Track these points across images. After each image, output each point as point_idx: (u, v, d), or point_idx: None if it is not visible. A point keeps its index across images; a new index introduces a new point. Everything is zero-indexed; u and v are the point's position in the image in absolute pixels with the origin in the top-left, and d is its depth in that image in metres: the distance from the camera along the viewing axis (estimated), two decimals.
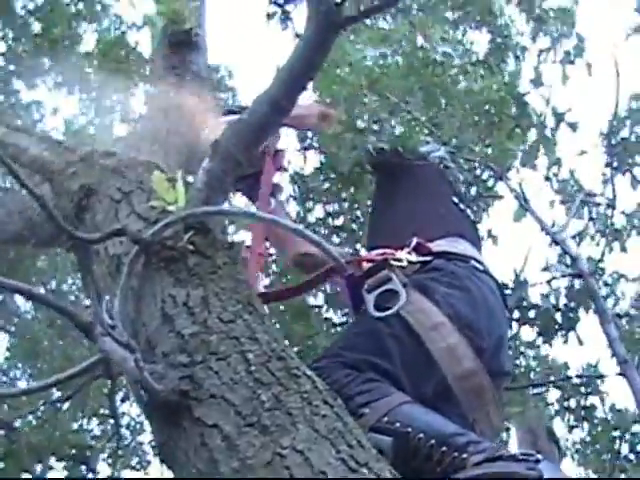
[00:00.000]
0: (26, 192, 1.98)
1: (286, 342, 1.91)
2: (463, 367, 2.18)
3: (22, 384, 6.35)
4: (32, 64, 6.18)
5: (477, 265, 2.52)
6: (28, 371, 6.54)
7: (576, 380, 4.92)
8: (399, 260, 2.35)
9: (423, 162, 2.82)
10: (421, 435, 1.89)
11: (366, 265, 2.37)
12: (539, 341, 4.68)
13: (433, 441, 1.87)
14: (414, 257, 2.40)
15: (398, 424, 1.92)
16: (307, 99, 3.05)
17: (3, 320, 6.77)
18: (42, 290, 5.79)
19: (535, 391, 4.90)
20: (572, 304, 4.62)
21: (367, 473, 1.57)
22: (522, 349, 4.72)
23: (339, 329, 4.48)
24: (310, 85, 3.69)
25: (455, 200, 2.81)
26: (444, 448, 1.86)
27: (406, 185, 2.80)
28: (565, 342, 4.69)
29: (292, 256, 2.88)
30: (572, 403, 4.88)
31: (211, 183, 2.19)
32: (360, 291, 2.30)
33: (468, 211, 2.88)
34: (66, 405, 5.57)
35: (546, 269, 4.81)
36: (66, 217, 2.50)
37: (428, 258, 2.44)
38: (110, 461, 5.55)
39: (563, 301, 4.71)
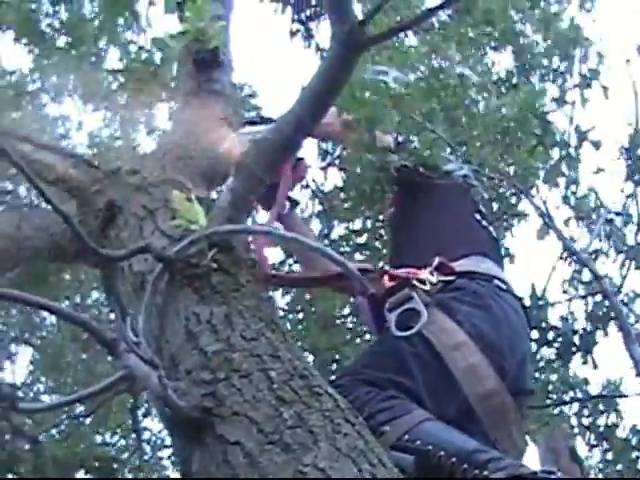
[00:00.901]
0: (52, 209, 2.00)
1: (310, 357, 1.93)
2: (485, 387, 2.18)
3: (45, 398, 6.39)
4: (58, 79, 6.24)
5: (500, 284, 2.51)
6: (51, 385, 6.58)
7: (596, 398, 4.88)
8: (422, 280, 2.35)
9: (446, 181, 2.82)
10: (442, 453, 1.89)
11: (388, 283, 2.37)
12: (557, 363, 4.65)
13: (454, 459, 1.88)
14: (436, 277, 2.40)
15: (419, 442, 1.93)
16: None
17: (27, 333, 6.81)
18: (66, 305, 5.84)
19: (556, 410, 4.86)
20: (590, 326, 4.60)
21: None
22: (541, 365, 4.69)
23: (366, 340, 4.48)
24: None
25: (478, 218, 2.81)
26: (465, 465, 1.86)
27: (429, 203, 2.80)
28: (584, 363, 4.67)
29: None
30: (592, 421, 4.84)
31: (235, 201, 2.22)
32: (382, 310, 2.31)
33: (491, 229, 2.88)
34: (88, 419, 5.60)
35: (566, 291, 4.79)
36: (91, 234, 2.53)
37: (451, 277, 2.44)
38: (131, 476, 5.56)
39: (582, 323, 4.69)
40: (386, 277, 2.40)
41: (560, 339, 4.51)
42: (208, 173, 3.01)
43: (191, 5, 3.14)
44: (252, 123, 2.96)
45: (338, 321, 4.49)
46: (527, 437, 4.76)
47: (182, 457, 1.84)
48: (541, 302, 4.58)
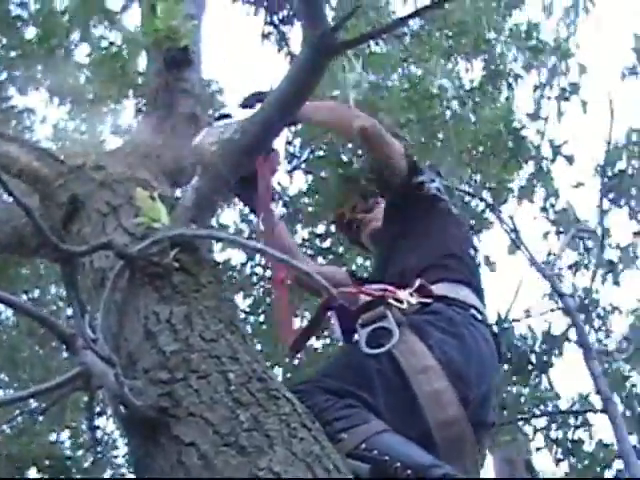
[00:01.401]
0: (14, 201, 1.98)
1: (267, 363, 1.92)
2: (447, 414, 2.15)
3: (0, 393, 6.32)
4: (25, 71, 6.18)
5: (476, 314, 2.50)
6: (6, 379, 6.51)
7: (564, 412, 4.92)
8: (399, 300, 2.34)
9: (419, 192, 2.79)
10: (398, 464, 1.89)
11: (364, 298, 2.36)
12: (512, 380, 4.69)
13: (410, 471, 1.87)
14: (415, 299, 2.39)
15: (376, 451, 1.92)
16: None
17: None
18: (24, 299, 5.78)
19: (523, 421, 4.90)
20: (545, 346, 4.64)
21: None
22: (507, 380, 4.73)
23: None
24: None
25: (468, 247, 2.80)
26: (420, 478, 1.86)
27: (417, 223, 2.76)
28: (537, 386, 4.71)
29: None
30: (560, 435, 4.88)
31: (199, 201, 2.21)
32: (351, 322, 2.29)
33: (477, 259, 2.86)
34: (42, 417, 5.55)
35: (528, 311, 4.84)
36: (53, 228, 2.50)
37: (428, 300, 2.43)
38: (83, 475, 5.52)
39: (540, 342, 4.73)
40: (361, 292, 2.39)
41: (516, 358, 4.54)
42: (174, 172, 3.00)
43: (163, 3, 3.12)
44: (224, 117, 2.92)
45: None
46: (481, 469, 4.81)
47: (136, 457, 1.82)
48: (505, 324, 4.61)
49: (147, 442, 1.74)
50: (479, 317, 2.48)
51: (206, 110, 3.44)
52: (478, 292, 2.62)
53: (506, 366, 4.65)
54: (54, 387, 1.95)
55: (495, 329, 4.22)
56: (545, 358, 4.58)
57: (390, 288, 2.33)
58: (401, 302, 2.30)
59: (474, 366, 2.32)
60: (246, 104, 2.87)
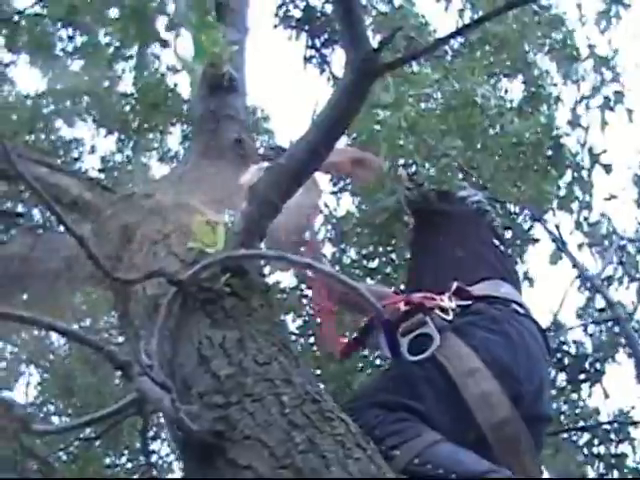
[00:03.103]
0: (66, 231, 2.02)
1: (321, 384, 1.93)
2: (498, 415, 2.15)
3: (55, 419, 6.39)
4: (72, 103, 6.30)
5: (518, 309, 2.49)
6: (60, 407, 6.59)
7: (607, 426, 4.85)
8: (439, 306, 2.34)
9: (461, 207, 2.83)
10: (453, 476, 1.88)
11: (403, 308, 2.37)
12: (567, 390, 4.64)
13: None
14: (454, 302, 2.40)
15: (430, 465, 1.92)
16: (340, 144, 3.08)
17: (37, 355, 6.83)
18: (76, 327, 5.85)
19: (565, 436, 4.84)
20: (600, 354, 4.59)
21: None
22: (554, 392, 4.68)
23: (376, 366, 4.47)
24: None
25: (496, 243, 2.80)
26: None
27: (446, 230, 2.79)
28: (589, 395, 4.67)
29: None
30: (602, 450, 4.82)
31: (249, 227, 2.23)
32: (396, 335, 2.30)
33: (509, 253, 2.87)
34: (98, 441, 5.60)
35: (580, 315, 4.79)
36: (106, 257, 2.55)
37: (468, 302, 2.43)
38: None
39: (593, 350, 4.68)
40: (401, 302, 2.40)
41: (571, 365, 4.49)
42: (221, 198, 3.04)
43: (206, 30, 3.17)
44: (269, 158, 2.97)
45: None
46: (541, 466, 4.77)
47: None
48: (557, 327, 4.57)
49: (204, 466, 1.76)
50: (521, 311, 2.47)
51: (251, 136, 3.47)
52: (516, 286, 2.62)
53: (560, 375, 4.62)
54: (112, 413, 1.99)
55: (551, 334, 4.22)
56: (598, 366, 4.54)
57: (428, 295, 2.34)
58: (442, 308, 2.31)
59: (523, 361, 2.31)
60: (265, 156, 2.94)
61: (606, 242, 4.70)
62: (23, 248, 3.31)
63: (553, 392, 4.62)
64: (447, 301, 2.37)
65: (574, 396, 4.72)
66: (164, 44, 4.76)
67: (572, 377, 4.55)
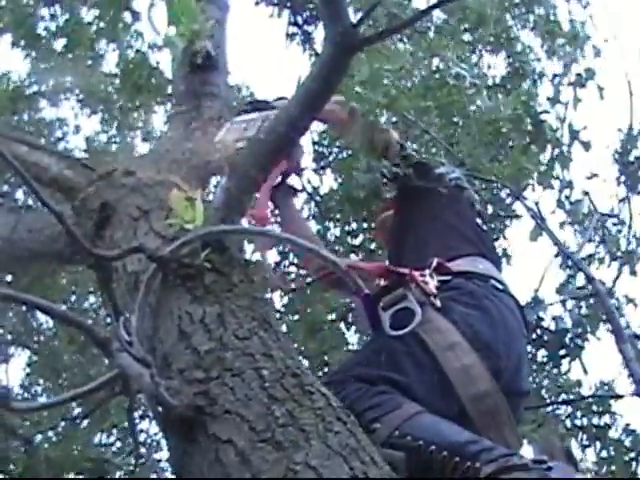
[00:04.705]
0: (47, 209, 2.01)
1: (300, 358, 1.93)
2: (478, 388, 2.17)
3: (43, 400, 6.39)
4: (55, 83, 6.26)
5: (497, 284, 2.51)
6: (49, 386, 6.59)
7: (589, 399, 4.88)
8: (419, 281, 2.34)
9: (439, 184, 2.82)
10: (433, 447, 1.88)
11: (383, 282, 2.37)
12: (548, 366, 4.65)
13: (445, 452, 1.87)
14: (435, 278, 2.40)
15: (409, 437, 1.92)
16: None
17: (24, 336, 6.83)
18: (62, 307, 5.85)
19: (548, 409, 4.87)
20: (579, 330, 4.61)
21: None
22: (535, 367, 4.70)
23: (354, 345, 4.49)
24: None
25: (476, 219, 2.81)
26: (457, 458, 1.85)
27: (425, 206, 2.80)
28: (568, 370, 4.68)
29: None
30: (585, 422, 4.85)
31: (229, 202, 2.22)
32: (376, 309, 2.30)
33: (489, 230, 2.87)
34: (85, 421, 5.61)
35: (560, 291, 4.79)
36: (86, 234, 2.55)
37: (448, 277, 2.44)
38: (128, 477, 5.58)
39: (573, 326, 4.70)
40: (381, 276, 2.40)
41: (551, 341, 4.50)
42: (203, 174, 3.03)
43: (185, 8, 3.14)
44: (245, 112, 2.95)
45: (326, 326, 4.50)
46: (522, 439, 4.79)
47: (175, 456, 1.84)
48: (536, 303, 4.58)
49: (185, 441, 1.76)
50: (500, 287, 2.48)
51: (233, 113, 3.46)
52: (495, 263, 2.63)
53: (540, 351, 4.63)
54: (93, 390, 1.97)
55: (530, 309, 4.23)
56: (578, 341, 4.55)
57: (412, 270, 2.34)
58: (423, 283, 2.31)
59: (501, 336, 2.32)
60: (246, 110, 2.92)
61: (587, 221, 4.71)
62: (5, 228, 3.29)
63: (533, 367, 4.64)
64: (428, 277, 2.38)
65: (555, 371, 4.74)
66: (136, 16, 4.73)
67: (552, 353, 4.57)
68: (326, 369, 4.37)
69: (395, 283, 2.32)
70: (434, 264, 2.43)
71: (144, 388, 1.78)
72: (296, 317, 4.47)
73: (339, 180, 4.13)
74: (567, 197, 4.47)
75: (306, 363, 4.26)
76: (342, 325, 4.62)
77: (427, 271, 2.40)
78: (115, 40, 5.84)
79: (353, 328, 4.69)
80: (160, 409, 1.77)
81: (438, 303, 2.30)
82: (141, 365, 1.79)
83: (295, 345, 4.27)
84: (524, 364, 2.49)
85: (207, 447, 1.71)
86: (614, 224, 4.93)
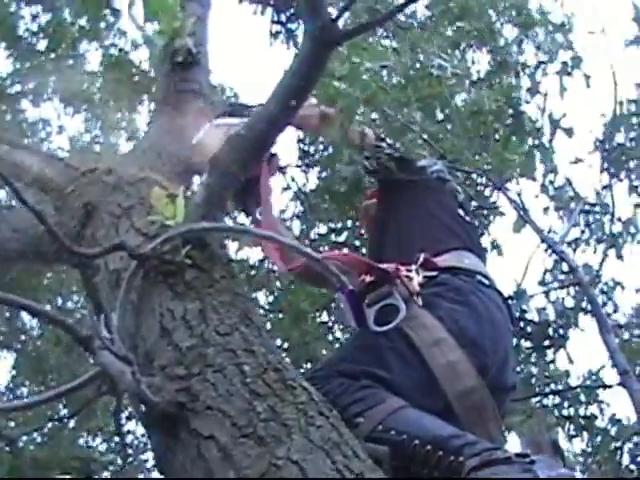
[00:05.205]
0: (24, 207, 2.00)
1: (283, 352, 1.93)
2: (464, 384, 2.16)
3: (26, 400, 6.36)
4: (38, 83, 6.24)
5: (483, 280, 2.50)
6: (35, 389, 6.57)
7: (577, 389, 4.89)
8: (406, 277, 2.34)
9: (422, 177, 2.82)
10: (416, 441, 1.89)
11: (368, 279, 2.36)
12: (534, 356, 4.67)
13: (429, 446, 1.87)
14: (420, 273, 2.39)
15: (393, 432, 1.92)
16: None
17: (10, 338, 6.81)
18: (48, 307, 5.83)
19: (536, 399, 4.89)
20: (563, 320, 4.62)
21: None
22: (522, 357, 4.72)
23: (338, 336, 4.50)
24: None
25: (461, 213, 2.80)
26: (440, 453, 1.86)
27: (408, 200, 2.78)
28: (552, 361, 4.70)
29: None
30: (572, 412, 4.87)
31: (210, 199, 2.21)
32: (361, 306, 2.30)
33: (474, 223, 2.86)
34: (73, 423, 5.60)
35: (542, 282, 4.80)
36: (68, 233, 2.54)
37: (434, 273, 2.43)
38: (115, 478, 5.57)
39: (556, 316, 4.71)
40: (366, 273, 2.39)
41: (535, 332, 4.52)
42: (186, 171, 3.02)
43: (163, 5, 3.13)
44: (227, 114, 2.94)
45: (308, 316, 4.50)
46: (510, 430, 4.80)
47: (158, 453, 1.84)
48: (521, 291, 4.58)
49: (167, 438, 1.76)
50: (486, 282, 2.48)
51: (216, 110, 3.45)
52: (481, 257, 2.63)
53: (524, 342, 4.64)
54: (76, 388, 1.98)
55: (513, 302, 4.24)
56: (562, 332, 4.57)
57: (394, 266, 2.33)
58: (408, 278, 2.30)
59: (488, 331, 2.32)
60: (228, 113, 2.92)
61: (572, 205, 4.72)
62: None
63: (519, 358, 4.66)
64: (414, 272, 2.37)
65: (543, 362, 4.76)
66: (116, 14, 4.71)
67: (536, 344, 4.58)
68: (310, 362, 4.37)
69: (380, 279, 2.32)
70: (421, 259, 2.43)
71: (126, 386, 1.78)
72: (280, 315, 4.48)
73: (323, 175, 4.13)
74: (551, 182, 4.49)
75: (289, 356, 4.27)
76: (325, 315, 4.63)
77: (413, 266, 2.39)
78: (97, 39, 5.83)
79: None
80: (142, 407, 1.77)
81: (420, 302, 2.30)
82: (123, 363, 1.79)
83: (279, 339, 4.28)
84: (510, 359, 2.49)
85: (189, 443, 1.71)
86: (596, 212, 4.94)
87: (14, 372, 6.67)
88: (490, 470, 1.75)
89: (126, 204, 2.44)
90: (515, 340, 4.55)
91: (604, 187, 4.91)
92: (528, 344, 4.64)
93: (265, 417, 1.67)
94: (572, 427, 4.90)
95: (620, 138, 4.83)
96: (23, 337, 6.73)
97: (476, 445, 1.87)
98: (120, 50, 5.72)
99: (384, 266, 2.32)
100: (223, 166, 2.24)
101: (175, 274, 2.05)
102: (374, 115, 3.53)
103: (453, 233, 2.64)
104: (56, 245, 2.26)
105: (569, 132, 4.14)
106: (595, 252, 4.92)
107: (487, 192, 4.56)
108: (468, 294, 2.39)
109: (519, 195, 4.02)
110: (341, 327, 4.63)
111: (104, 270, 2.30)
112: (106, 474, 5.45)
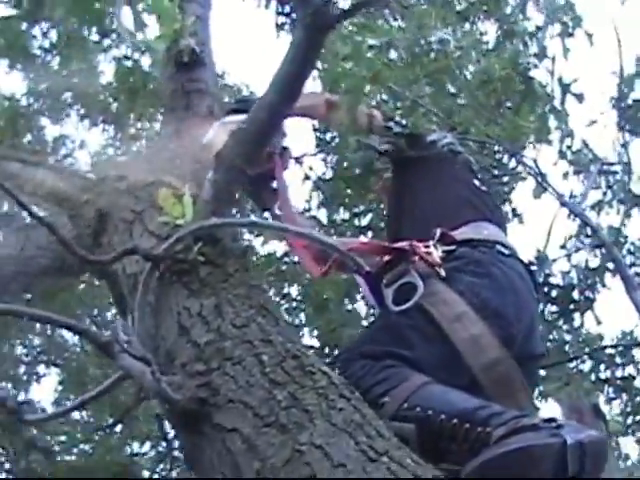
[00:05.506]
0: (34, 219, 2.02)
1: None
2: (488, 357, 2.14)
3: (76, 415, 6.43)
4: (55, 100, 6.28)
5: (502, 249, 2.47)
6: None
7: (611, 350, 4.83)
8: (423, 254, 2.32)
9: (433, 151, 2.79)
10: (443, 416, 1.87)
11: (385, 258, 2.35)
12: (560, 321, 4.62)
13: (455, 420, 1.86)
14: (439, 248, 2.37)
15: (418, 409, 1.91)
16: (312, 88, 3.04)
17: (52, 355, 6.89)
18: (87, 321, 5.90)
19: (572, 365, 4.83)
20: (589, 281, 4.56)
21: (388, 462, 1.58)
22: (551, 324, 4.67)
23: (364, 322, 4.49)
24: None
25: (476, 183, 2.77)
26: (467, 425, 1.84)
27: (422, 176, 2.75)
28: (581, 325, 4.64)
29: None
30: (609, 374, 4.81)
31: (218, 195, 2.22)
32: (379, 286, 2.29)
33: (490, 192, 2.84)
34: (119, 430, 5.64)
35: (564, 246, 4.75)
36: (87, 244, 2.56)
37: (452, 247, 2.41)
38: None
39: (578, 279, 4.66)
40: (383, 255, 2.38)
41: (560, 296, 4.47)
42: (198, 171, 3.02)
43: (163, 8, 3.14)
44: (235, 111, 2.94)
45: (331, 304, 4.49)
46: (548, 398, 4.75)
47: (186, 450, 1.85)
48: (543, 257, 4.53)
49: (192, 434, 1.77)
50: (506, 252, 2.45)
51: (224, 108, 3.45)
52: (500, 226, 2.60)
53: (549, 307, 4.60)
54: (101, 393, 1.99)
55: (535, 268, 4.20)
56: (588, 294, 4.51)
57: (412, 243, 2.31)
58: (428, 254, 2.28)
59: (510, 300, 2.29)
60: (236, 110, 2.92)
61: (592, 168, 4.66)
62: (15, 247, 3.32)
63: (549, 325, 4.61)
64: (432, 248, 2.35)
65: (575, 325, 4.71)
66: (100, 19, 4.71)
67: (562, 308, 4.53)
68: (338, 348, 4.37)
69: (397, 258, 2.30)
70: (438, 234, 2.41)
71: (148, 386, 1.79)
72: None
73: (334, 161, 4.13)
74: (569, 147, 4.43)
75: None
76: (347, 301, 4.62)
77: (431, 242, 2.38)
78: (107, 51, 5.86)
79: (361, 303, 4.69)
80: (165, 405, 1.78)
81: (443, 273, 2.28)
82: (142, 364, 1.80)
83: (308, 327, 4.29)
84: (536, 327, 2.46)
85: (214, 438, 1.72)
86: (615, 172, 4.88)
87: (60, 387, 6.74)
88: (517, 437, 1.74)
89: (138, 208, 2.45)
90: (541, 306, 4.51)
91: (622, 145, 4.84)
92: (554, 309, 4.59)
93: (286, 405, 1.67)
94: (610, 390, 4.86)
95: (635, 95, 4.76)
96: (66, 353, 6.80)
97: (503, 415, 1.85)
98: (127, 58, 5.73)
99: (399, 245, 2.31)
100: (228, 161, 2.24)
101: (189, 272, 2.06)
102: (384, 96, 3.52)
103: (470, 204, 2.61)
104: (73, 256, 2.28)
105: (579, 98, 4.07)
106: (618, 213, 4.85)
107: (505, 159, 4.53)
108: (488, 265, 2.36)
109: (534, 161, 3.97)
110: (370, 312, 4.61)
111: (122, 275, 2.32)
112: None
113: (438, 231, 2.41)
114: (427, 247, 2.34)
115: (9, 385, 6.79)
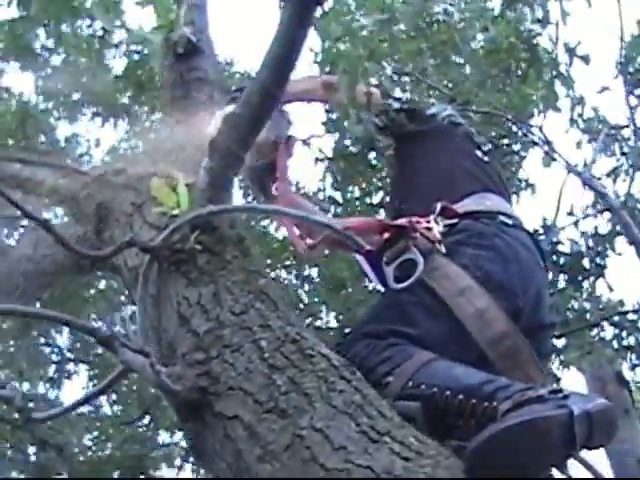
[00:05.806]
0: (28, 218, 2.01)
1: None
2: (494, 331, 2.09)
3: (107, 409, 6.49)
4: (65, 98, 6.30)
5: (506, 220, 2.42)
6: (113, 398, 6.68)
7: (633, 316, 4.76)
8: (423, 229, 2.28)
9: (433, 124, 2.75)
10: (448, 393, 1.84)
11: (384, 236, 2.31)
12: (569, 290, 4.55)
13: (461, 396, 1.82)
14: (440, 222, 2.33)
15: (423, 386, 1.88)
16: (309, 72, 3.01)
17: (81, 352, 6.94)
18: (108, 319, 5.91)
19: (593, 333, 4.77)
20: (598, 249, 4.49)
21: (390, 442, 1.56)
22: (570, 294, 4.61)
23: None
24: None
25: (478, 154, 2.72)
26: (473, 401, 1.81)
27: (423, 150, 2.71)
28: (592, 292, 4.57)
29: None
30: (631, 341, 4.75)
31: (213, 182, 2.19)
32: (380, 265, 2.25)
33: (493, 162, 2.79)
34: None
35: (571, 213, 4.68)
36: (87, 238, 2.56)
37: (454, 221, 2.37)
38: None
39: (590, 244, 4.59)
40: (383, 232, 2.34)
41: (568, 264, 4.40)
42: (200, 160, 3.00)
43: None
44: (236, 99, 2.92)
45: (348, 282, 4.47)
46: (569, 367, 4.69)
47: (191, 439, 1.84)
48: (549, 226, 4.48)
49: (195, 423, 1.77)
50: (510, 222, 2.40)
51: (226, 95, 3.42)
52: (503, 195, 2.55)
53: (560, 276, 4.54)
54: (105, 388, 1.98)
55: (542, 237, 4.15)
56: (599, 260, 4.45)
57: (414, 218, 2.27)
58: (428, 229, 2.24)
59: (515, 272, 2.24)
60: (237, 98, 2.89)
61: (602, 134, 4.59)
62: (28, 247, 3.33)
63: (562, 292, 4.54)
64: (432, 223, 2.31)
65: (589, 291, 4.65)
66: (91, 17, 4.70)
67: (571, 277, 4.47)
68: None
69: (396, 236, 2.27)
70: (438, 208, 2.36)
71: (148, 378, 1.77)
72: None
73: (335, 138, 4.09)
74: (580, 115, 4.37)
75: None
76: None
77: (432, 216, 2.33)
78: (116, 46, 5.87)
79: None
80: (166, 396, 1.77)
81: (443, 249, 2.24)
82: (142, 356, 1.79)
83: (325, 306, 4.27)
84: (544, 297, 2.40)
85: (215, 426, 1.71)
86: (627, 139, 4.80)
87: (91, 384, 6.79)
88: (523, 410, 1.70)
89: (138, 201, 2.43)
90: (551, 275, 4.45)
91: (631, 108, 4.75)
92: (565, 277, 4.53)
93: (286, 389, 1.66)
94: (634, 356, 4.79)
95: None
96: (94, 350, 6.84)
97: (509, 388, 1.82)
98: (136, 52, 5.73)
99: (398, 222, 2.27)
100: (223, 147, 2.21)
101: (187, 261, 2.05)
102: (388, 72, 3.47)
103: (472, 176, 2.57)
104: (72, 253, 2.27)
105: (586, 59, 4.00)
106: (633, 179, 4.77)
107: (515, 129, 4.46)
108: (492, 237, 2.31)
109: (540, 129, 3.91)
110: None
111: (124, 269, 2.30)
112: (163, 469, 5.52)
113: (439, 205, 2.36)
114: (427, 222, 2.30)
115: (42, 385, 6.87)
